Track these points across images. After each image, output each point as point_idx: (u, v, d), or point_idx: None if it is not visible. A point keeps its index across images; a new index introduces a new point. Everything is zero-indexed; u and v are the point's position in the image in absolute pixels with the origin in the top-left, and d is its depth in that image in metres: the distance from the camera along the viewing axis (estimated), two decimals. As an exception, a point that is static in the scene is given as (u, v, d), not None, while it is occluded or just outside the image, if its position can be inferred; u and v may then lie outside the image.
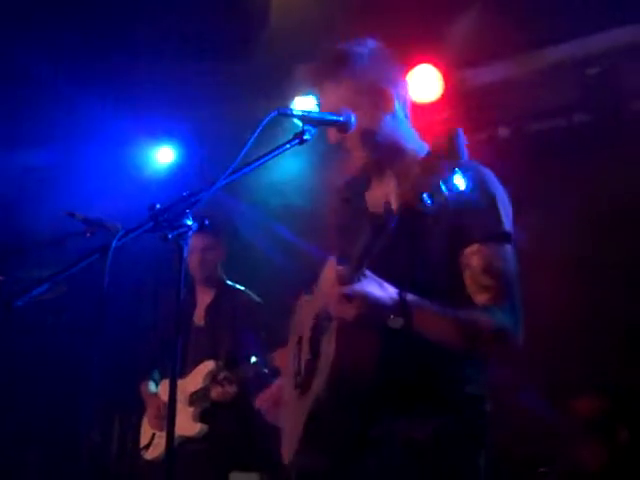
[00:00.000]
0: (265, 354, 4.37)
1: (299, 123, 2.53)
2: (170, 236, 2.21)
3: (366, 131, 2.54)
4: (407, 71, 2.75)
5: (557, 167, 5.13)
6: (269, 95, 5.84)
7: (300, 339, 2.57)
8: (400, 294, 2.25)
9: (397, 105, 2.59)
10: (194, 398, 4.53)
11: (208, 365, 4.59)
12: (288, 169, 6.03)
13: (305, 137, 2.51)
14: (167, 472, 2.21)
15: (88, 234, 3.82)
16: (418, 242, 2.35)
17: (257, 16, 5.63)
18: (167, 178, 6.53)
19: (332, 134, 2.58)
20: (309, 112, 2.56)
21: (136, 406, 4.94)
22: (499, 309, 2.31)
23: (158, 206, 2.24)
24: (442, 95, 5.40)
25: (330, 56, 2.59)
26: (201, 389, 4.54)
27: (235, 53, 5.79)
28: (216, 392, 4.51)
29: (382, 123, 2.56)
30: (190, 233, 2.25)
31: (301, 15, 5.43)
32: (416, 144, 2.62)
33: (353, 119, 2.55)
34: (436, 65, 5.40)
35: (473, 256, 2.35)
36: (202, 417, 4.56)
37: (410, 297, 2.26)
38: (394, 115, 2.59)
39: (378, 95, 2.56)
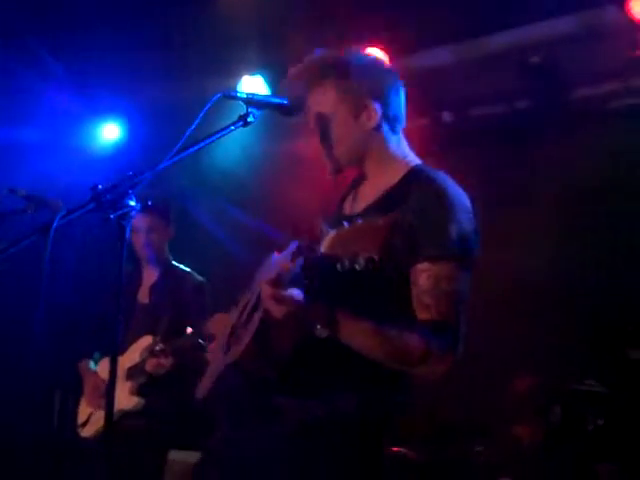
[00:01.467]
0: (200, 325, 4.39)
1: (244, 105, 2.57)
2: (112, 217, 2.23)
3: (337, 142, 2.56)
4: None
5: (499, 151, 5.24)
6: (216, 72, 5.84)
7: (249, 299, 2.59)
8: (331, 307, 2.28)
9: (382, 121, 2.55)
10: (131, 372, 4.52)
11: (146, 340, 4.58)
12: (233, 146, 6.04)
13: (249, 119, 2.55)
14: (106, 450, 2.25)
15: (30, 211, 3.79)
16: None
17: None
18: (113, 155, 6.50)
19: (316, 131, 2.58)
20: (253, 95, 2.59)
21: (75, 384, 4.92)
22: (435, 330, 2.30)
23: (100, 186, 2.25)
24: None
25: (322, 60, 2.58)
26: (138, 363, 4.53)
27: (183, 30, 5.77)
28: (151, 364, 4.48)
29: (359, 137, 2.56)
30: (133, 214, 2.27)
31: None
32: (402, 156, 2.60)
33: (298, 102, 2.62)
34: (383, 49, 5.43)
35: (422, 274, 2.34)
36: (139, 391, 4.54)
37: (341, 311, 2.29)
38: (377, 130, 2.56)
39: (360, 108, 2.53)
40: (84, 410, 4.73)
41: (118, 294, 2.42)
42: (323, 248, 2.10)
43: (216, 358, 2.70)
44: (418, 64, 5.54)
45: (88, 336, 4.93)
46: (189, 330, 4.40)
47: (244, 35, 5.55)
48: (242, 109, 2.58)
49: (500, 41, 5.17)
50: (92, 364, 4.82)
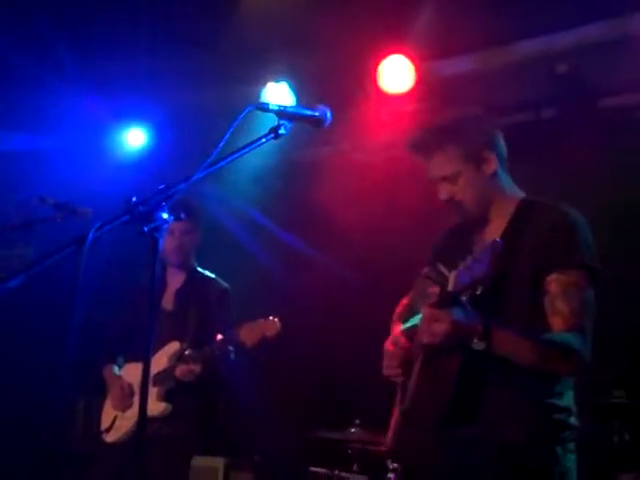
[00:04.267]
0: (231, 332, 4.41)
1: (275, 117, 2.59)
2: (146, 229, 2.25)
3: (468, 195, 2.88)
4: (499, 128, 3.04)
5: (524, 161, 5.20)
6: (242, 79, 5.85)
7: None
8: (484, 320, 2.59)
9: (498, 164, 2.91)
10: (159, 378, 4.54)
11: (173, 346, 4.61)
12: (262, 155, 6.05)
13: (280, 132, 2.57)
14: (136, 453, 2.27)
15: (58, 219, 3.83)
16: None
17: (229, 2, 5.64)
18: (138, 161, 6.52)
19: (443, 190, 2.90)
20: (285, 107, 2.61)
21: (99, 389, 4.95)
22: (570, 332, 2.65)
23: (134, 199, 2.27)
24: (413, 86, 5.45)
25: (438, 126, 2.92)
26: (166, 369, 4.55)
27: (208, 36, 5.79)
28: (180, 370, 4.52)
29: (485, 185, 2.90)
30: (166, 226, 2.29)
31: (271, 2, 5.45)
32: (512, 192, 2.97)
33: (328, 114, 2.67)
34: (408, 56, 5.43)
35: (552, 283, 2.69)
36: (166, 396, 4.57)
37: (494, 323, 2.60)
38: (495, 174, 2.91)
39: (480, 160, 2.88)
40: (108, 415, 4.75)
41: (152, 303, 2.43)
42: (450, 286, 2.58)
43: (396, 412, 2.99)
44: (443, 71, 5.54)
45: (113, 340, 4.96)
46: (218, 337, 4.42)
47: (269, 42, 5.56)
48: (271, 119, 2.60)
49: (526, 49, 5.15)
50: (116, 369, 4.85)
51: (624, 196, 4.93)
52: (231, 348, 4.47)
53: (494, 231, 2.89)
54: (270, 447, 5.65)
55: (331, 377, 5.89)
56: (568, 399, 2.80)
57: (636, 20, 4.72)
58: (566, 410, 2.78)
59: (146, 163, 6.45)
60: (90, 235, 2.16)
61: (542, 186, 5.18)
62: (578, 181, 4.96)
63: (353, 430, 4.79)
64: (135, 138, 6.60)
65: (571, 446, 2.77)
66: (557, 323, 2.66)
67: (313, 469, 5.02)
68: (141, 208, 2.26)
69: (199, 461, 4.91)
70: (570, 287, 2.68)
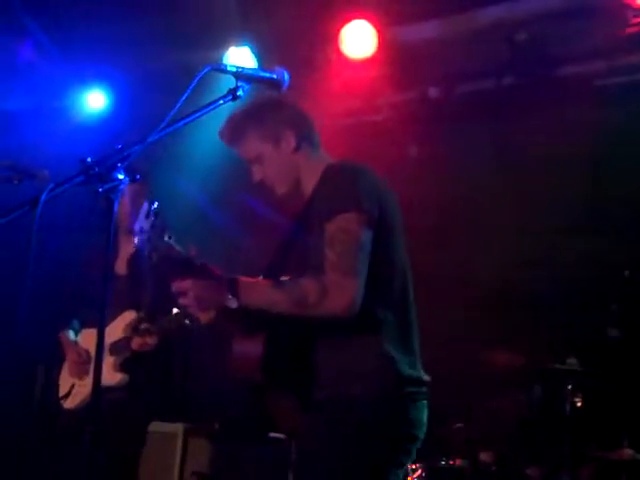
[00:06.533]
0: None
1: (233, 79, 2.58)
2: (101, 190, 2.23)
3: (273, 173, 2.96)
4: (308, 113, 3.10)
5: (484, 128, 5.25)
6: (203, 43, 5.81)
7: None
8: (229, 278, 2.70)
9: (301, 141, 2.95)
10: (115, 348, 4.50)
11: (129, 315, 4.55)
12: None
13: (238, 93, 2.57)
14: (93, 421, 2.26)
15: (15, 181, 3.77)
16: None
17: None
18: (98, 124, 6.47)
19: (255, 172, 2.99)
20: (243, 68, 2.61)
21: (57, 355, 4.91)
22: (330, 276, 2.65)
23: (89, 159, 2.25)
24: (376, 52, 5.45)
25: (237, 115, 2.99)
26: (122, 339, 4.50)
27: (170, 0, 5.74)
28: (137, 343, 4.48)
29: (287, 161, 2.96)
30: (121, 187, 2.27)
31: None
32: (321, 161, 2.97)
33: (286, 76, 2.69)
34: (371, 21, 5.43)
35: (325, 231, 2.71)
36: (122, 367, 4.53)
37: (241, 279, 2.70)
38: (297, 150, 2.95)
39: (278, 139, 2.94)
40: (66, 381, 4.71)
41: (107, 267, 2.42)
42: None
43: None
44: (405, 37, 5.54)
45: (69, 308, 4.91)
46: (175, 310, 4.39)
47: (231, 5, 5.52)
48: (230, 82, 2.59)
49: (487, 16, 5.16)
50: (72, 334, 4.80)
51: (584, 162, 5.00)
52: (187, 322, 4.43)
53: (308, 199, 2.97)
54: (230, 413, 5.67)
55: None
56: (397, 351, 2.74)
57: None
58: (393, 360, 2.71)
59: (107, 125, 6.40)
60: (43, 196, 2.14)
61: (499, 152, 5.29)
62: (536, 148, 5.02)
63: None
64: (95, 100, 6.55)
65: (414, 397, 2.74)
66: (325, 268, 2.66)
67: (273, 435, 5.05)
68: (96, 168, 2.24)
69: (158, 427, 4.92)
70: (338, 232, 2.68)
